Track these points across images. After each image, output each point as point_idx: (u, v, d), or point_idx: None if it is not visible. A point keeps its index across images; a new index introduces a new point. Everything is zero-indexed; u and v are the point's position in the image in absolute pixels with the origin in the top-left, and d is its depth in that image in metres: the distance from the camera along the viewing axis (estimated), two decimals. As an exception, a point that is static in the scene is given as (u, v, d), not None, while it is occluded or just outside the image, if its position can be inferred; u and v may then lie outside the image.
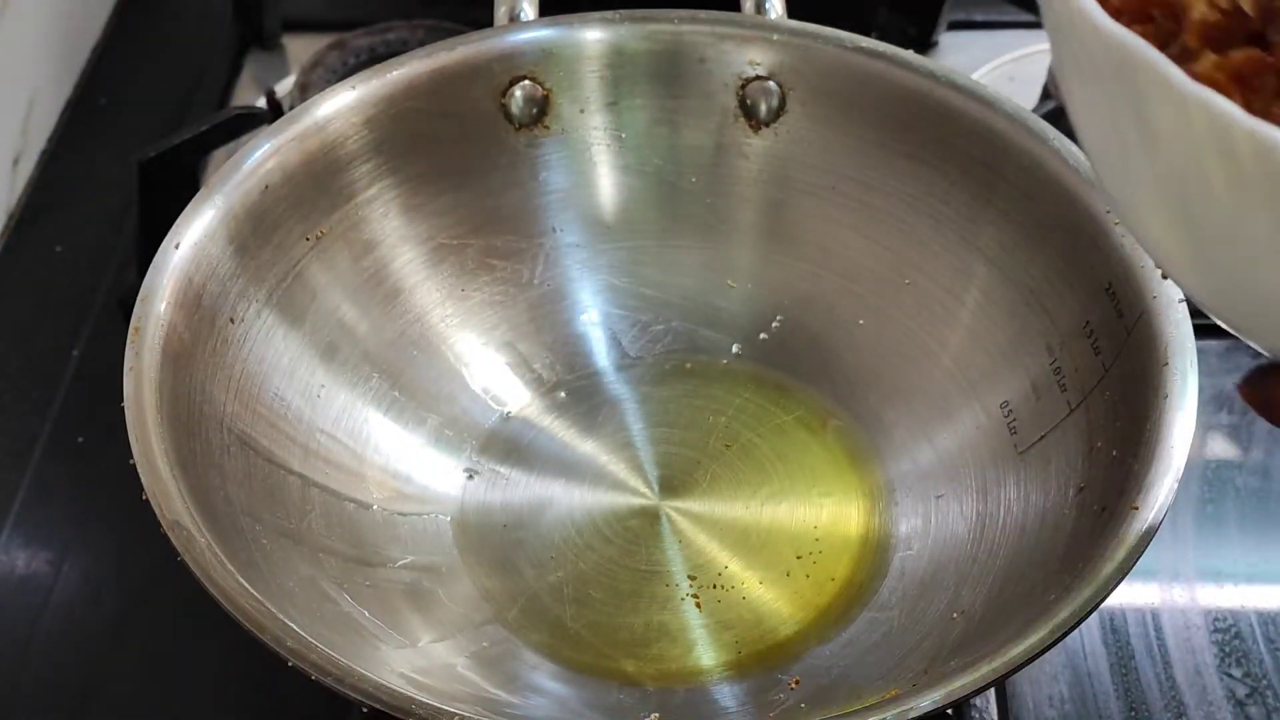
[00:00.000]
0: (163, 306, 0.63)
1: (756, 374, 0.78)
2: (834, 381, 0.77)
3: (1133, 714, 0.71)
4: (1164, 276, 0.63)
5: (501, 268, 0.78)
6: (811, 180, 0.78)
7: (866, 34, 0.76)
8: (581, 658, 0.66)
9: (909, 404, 0.74)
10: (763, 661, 0.65)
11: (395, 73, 0.74)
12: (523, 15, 0.78)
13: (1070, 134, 0.71)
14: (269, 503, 0.65)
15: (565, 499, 0.73)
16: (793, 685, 0.62)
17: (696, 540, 0.71)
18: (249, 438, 0.66)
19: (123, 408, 0.59)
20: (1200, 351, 0.62)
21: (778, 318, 0.78)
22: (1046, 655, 0.54)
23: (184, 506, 0.57)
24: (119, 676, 0.73)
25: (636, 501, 0.73)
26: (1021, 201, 0.71)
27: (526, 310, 0.77)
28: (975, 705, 0.69)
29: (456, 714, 0.52)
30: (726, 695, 0.63)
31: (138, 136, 1.00)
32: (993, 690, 0.68)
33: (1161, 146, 0.38)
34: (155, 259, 0.65)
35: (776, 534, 0.71)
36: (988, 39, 1.10)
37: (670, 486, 0.73)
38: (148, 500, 0.57)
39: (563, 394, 0.78)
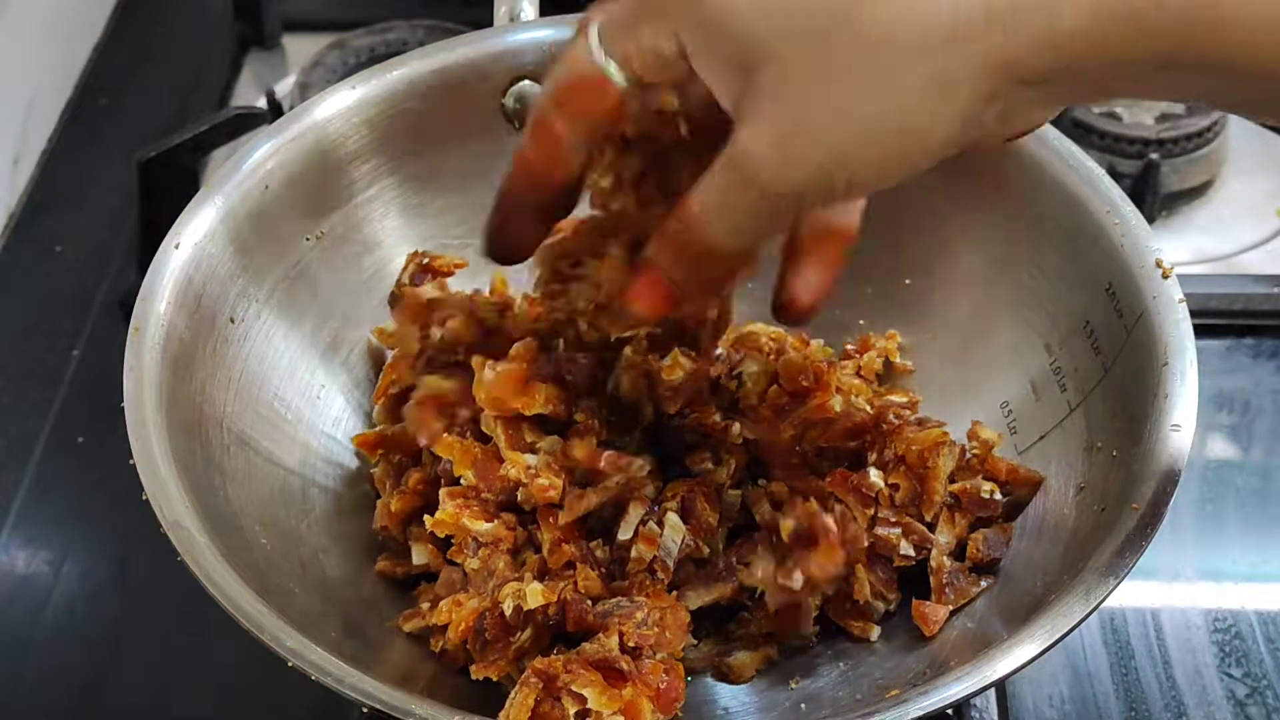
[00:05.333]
0: (163, 306, 0.63)
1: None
2: (834, 381, 0.77)
3: (1133, 714, 0.71)
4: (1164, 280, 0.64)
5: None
6: (811, 180, 0.77)
7: (866, 34, 0.76)
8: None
9: (909, 404, 0.74)
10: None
11: (395, 73, 0.74)
12: (523, 15, 0.78)
13: (1070, 134, 0.72)
14: (269, 502, 0.65)
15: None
16: (793, 685, 0.62)
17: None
18: (249, 438, 0.65)
19: (123, 408, 0.59)
20: (1200, 351, 0.62)
21: (778, 317, 0.78)
22: (1046, 655, 0.54)
23: (184, 506, 0.57)
24: (119, 676, 0.73)
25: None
26: (1021, 201, 0.71)
27: (526, 310, 0.77)
28: (975, 705, 0.69)
29: (457, 714, 0.52)
30: (726, 696, 0.63)
31: (138, 136, 1.00)
32: (993, 690, 0.68)
33: None
34: (155, 259, 0.65)
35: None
36: (988, 39, 1.10)
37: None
38: (148, 500, 0.57)
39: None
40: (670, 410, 0.65)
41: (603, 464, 0.61)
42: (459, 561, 0.62)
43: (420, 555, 0.65)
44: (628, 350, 0.64)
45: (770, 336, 0.69)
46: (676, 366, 0.64)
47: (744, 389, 0.66)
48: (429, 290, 0.69)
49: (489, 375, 0.62)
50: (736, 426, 0.65)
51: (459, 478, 0.63)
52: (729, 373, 0.66)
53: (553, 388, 0.63)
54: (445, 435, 0.63)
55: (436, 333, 0.66)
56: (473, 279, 0.75)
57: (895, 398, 0.68)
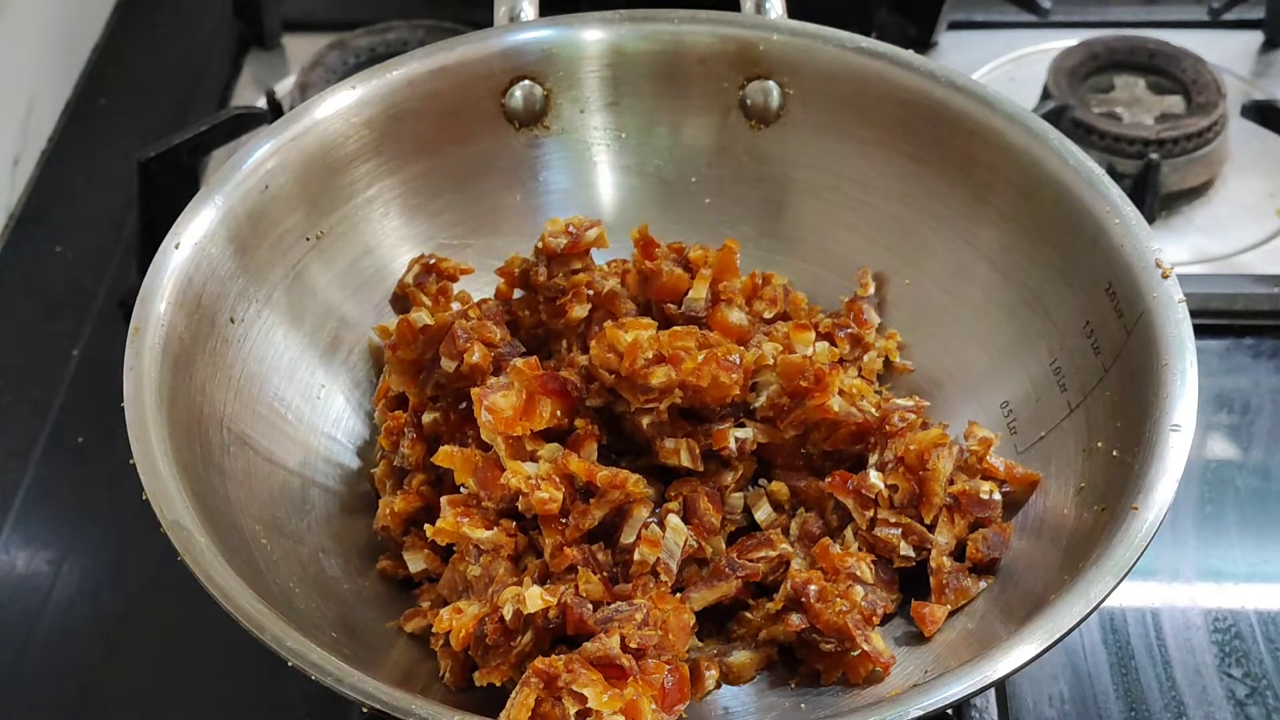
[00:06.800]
0: (163, 306, 0.63)
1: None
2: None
3: (1133, 714, 0.71)
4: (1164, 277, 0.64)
5: (502, 268, 0.78)
6: (812, 180, 0.78)
7: (866, 34, 0.76)
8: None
9: (909, 404, 0.74)
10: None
11: (395, 73, 0.74)
12: (523, 15, 0.78)
13: (1070, 134, 0.72)
14: (269, 503, 0.65)
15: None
16: (793, 685, 0.62)
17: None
18: (249, 438, 0.66)
19: (123, 408, 0.59)
20: (1200, 351, 0.62)
21: (778, 318, 0.78)
22: (1046, 655, 0.54)
23: (184, 506, 0.57)
24: (119, 676, 0.73)
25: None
26: (1021, 201, 0.71)
27: (526, 310, 0.77)
28: (975, 705, 0.69)
29: (456, 714, 0.52)
30: (727, 695, 0.63)
31: (138, 136, 1.00)
32: (993, 690, 0.68)
33: None
34: (155, 259, 0.65)
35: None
36: (988, 39, 1.10)
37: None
38: (148, 500, 0.57)
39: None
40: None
41: (599, 482, 0.61)
42: (461, 568, 0.62)
43: (416, 563, 0.65)
44: (645, 421, 0.64)
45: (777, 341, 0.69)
46: (678, 455, 0.64)
47: (761, 401, 0.66)
48: (422, 316, 0.69)
49: (487, 417, 0.62)
50: (750, 432, 0.65)
51: (460, 485, 0.63)
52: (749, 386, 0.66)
53: (557, 400, 0.63)
54: (444, 446, 0.64)
55: (450, 364, 0.66)
56: (476, 281, 0.75)
57: (902, 401, 0.68)
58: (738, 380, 0.64)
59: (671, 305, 0.71)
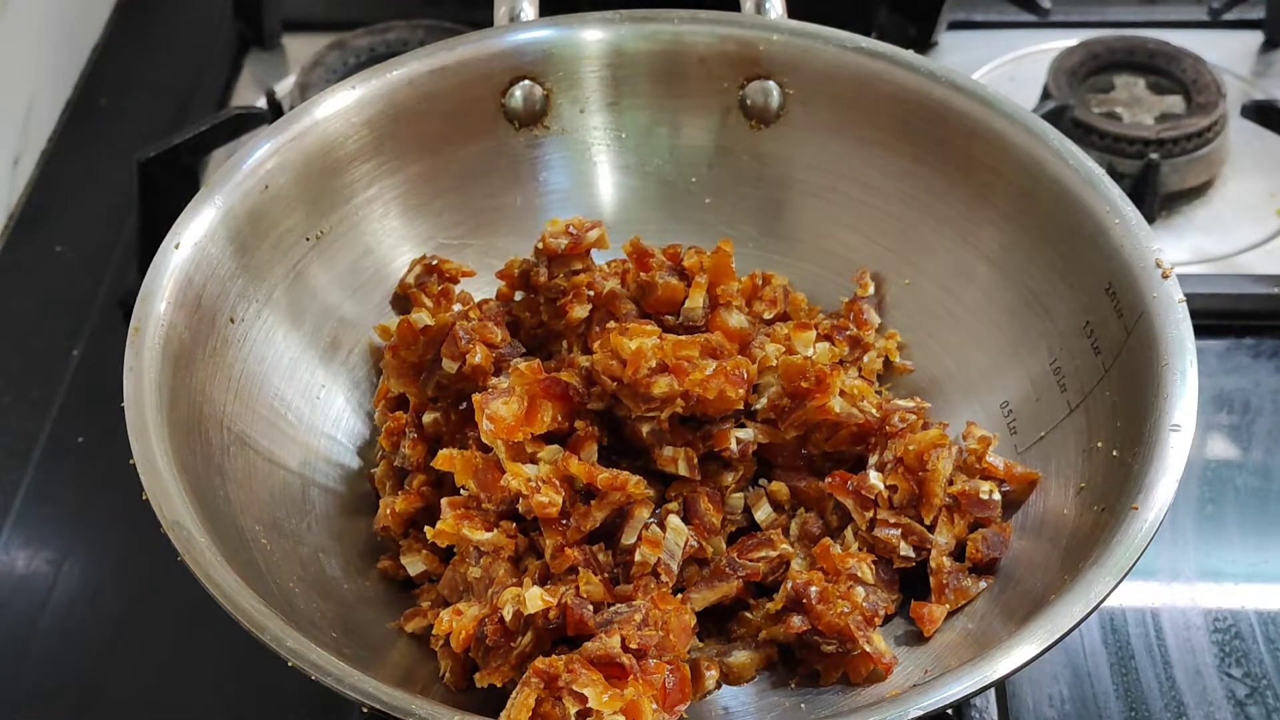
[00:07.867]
0: (163, 306, 0.63)
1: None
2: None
3: (1133, 714, 0.71)
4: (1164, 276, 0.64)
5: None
6: (812, 180, 0.78)
7: (866, 34, 0.76)
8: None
9: (909, 404, 0.74)
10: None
11: (395, 73, 0.74)
12: (523, 15, 0.78)
13: (1070, 134, 0.72)
14: (269, 502, 0.65)
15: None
16: (793, 685, 0.62)
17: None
18: (249, 438, 0.66)
19: (123, 408, 0.59)
20: (1200, 351, 0.62)
21: (778, 318, 0.78)
22: (1046, 655, 0.54)
23: (184, 506, 0.57)
24: (119, 676, 0.73)
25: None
26: (1021, 201, 0.71)
27: (526, 310, 0.77)
28: (975, 705, 0.69)
29: (456, 714, 0.52)
30: (727, 695, 0.63)
31: (138, 136, 1.00)
32: (993, 690, 0.68)
33: None
34: (155, 259, 0.65)
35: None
36: (988, 39, 1.10)
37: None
38: (148, 500, 0.57)
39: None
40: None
41: (600, 484, 0.61)
42: (461, 570, 0.62)
43: (415, 566, 0.66)
44: (645, 429, 0.64)
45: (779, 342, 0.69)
46: (676, 463, 0.64)
47: (762, 402, 0.66)
48: (423, 317, 0.69)
49: (488, 425, 0.62)
50: (751, 433, 0.65)
51: (460, 487, 0.63)
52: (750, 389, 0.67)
53: (558, 404, 0.63)
54: (444, 450, 0.64)
55: (451, 366, 0.66)
56: (476, 281, 0.75)
57: (902, 402, 0.68)
58: (744, 395, 0.64)
59: (670, 316, 0.71)
